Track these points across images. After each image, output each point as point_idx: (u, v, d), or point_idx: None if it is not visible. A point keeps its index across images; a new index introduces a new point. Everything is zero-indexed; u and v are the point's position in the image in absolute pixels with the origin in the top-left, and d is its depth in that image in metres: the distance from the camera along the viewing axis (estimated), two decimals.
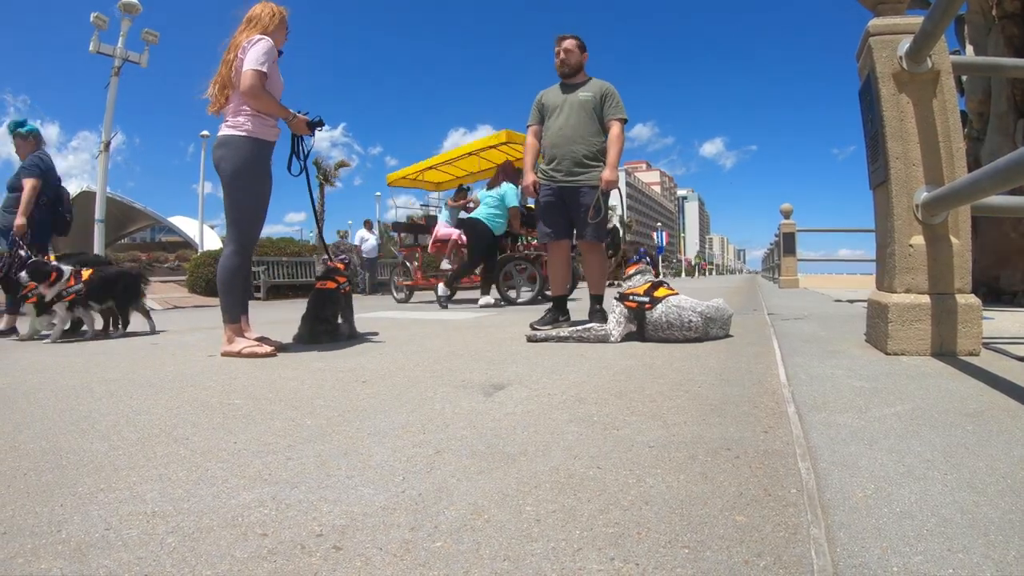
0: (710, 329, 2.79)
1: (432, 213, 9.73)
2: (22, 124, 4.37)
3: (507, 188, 6.34)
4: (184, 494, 1.01)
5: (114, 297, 3.86)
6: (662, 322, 2.77)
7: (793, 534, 0.82)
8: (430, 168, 8.76)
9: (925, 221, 2.12)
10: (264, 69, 2.58)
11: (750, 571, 0.73)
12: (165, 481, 1.07)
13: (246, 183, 2.68)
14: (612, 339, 2.82)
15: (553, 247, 3.61)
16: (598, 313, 3.40)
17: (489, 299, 6.12)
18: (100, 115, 8.45)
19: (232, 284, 2.74)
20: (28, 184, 4.13)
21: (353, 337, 3.20)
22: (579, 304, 3.80)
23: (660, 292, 2.85)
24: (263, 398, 1.77)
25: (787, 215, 9.63)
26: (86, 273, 3.75)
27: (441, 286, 6.31)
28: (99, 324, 3.98)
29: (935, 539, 0.78)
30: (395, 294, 8.31)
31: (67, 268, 3.68)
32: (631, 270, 3.04)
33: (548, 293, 5.65)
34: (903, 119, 2.17)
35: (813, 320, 3.51)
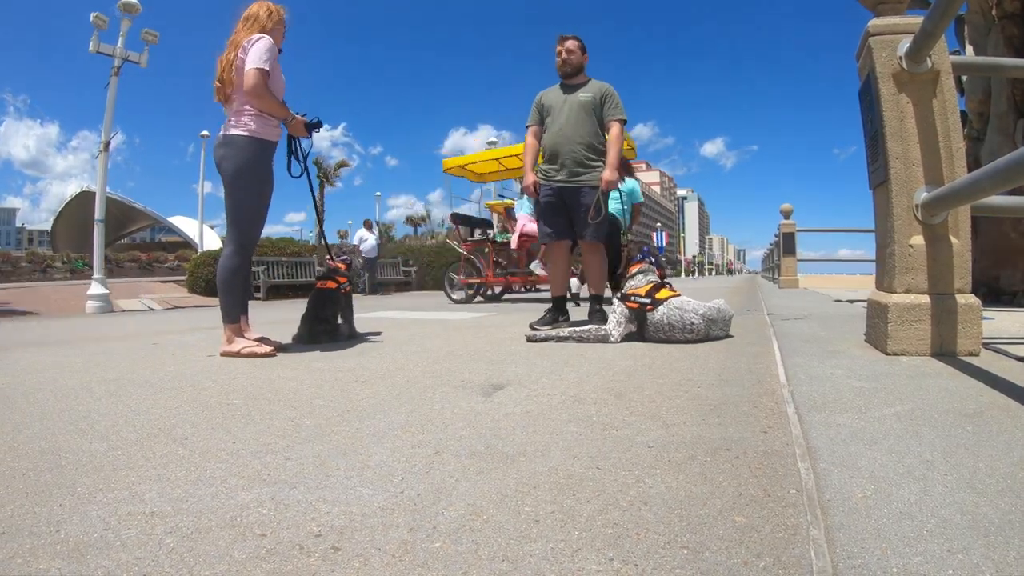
0: (711, 330, 2.79)
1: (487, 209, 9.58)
2: None
3: (633, 184, 6.15)
4: (183, 494, 1.01)
5: None
6: (663, 324, 2.77)
7: (792, 535, 0.82)
8: (490, 160, 8.53)
9: (925, 221, 2.12)
10: (267, 67, 2.58)
11: (749, 572, 0.73)
12: (164, 481, 1.07)
13: (248, 183, 2.67)
14: (612, 339, 2.81)
15: (553, 247, 3.61)
16: (598, 313, 3.40)
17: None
18: (100, 115, 8.43)
19: (232, 284, 2.74)
20: None
21: (353, 337, 3.20)
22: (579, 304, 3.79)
23: (662, 294, 2.85)
24: (262, 398, 1.77)
25: (787, 215, 9.64)
26: None
27: (575, 281, 5.91)
28: None
29: (935, 540, 0.78)
30: (451, 294, 7.35)
31: None
32: (634, 269, 3.03)
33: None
34: (903, 119, 2.17)
35: (813, 320, 3.51)
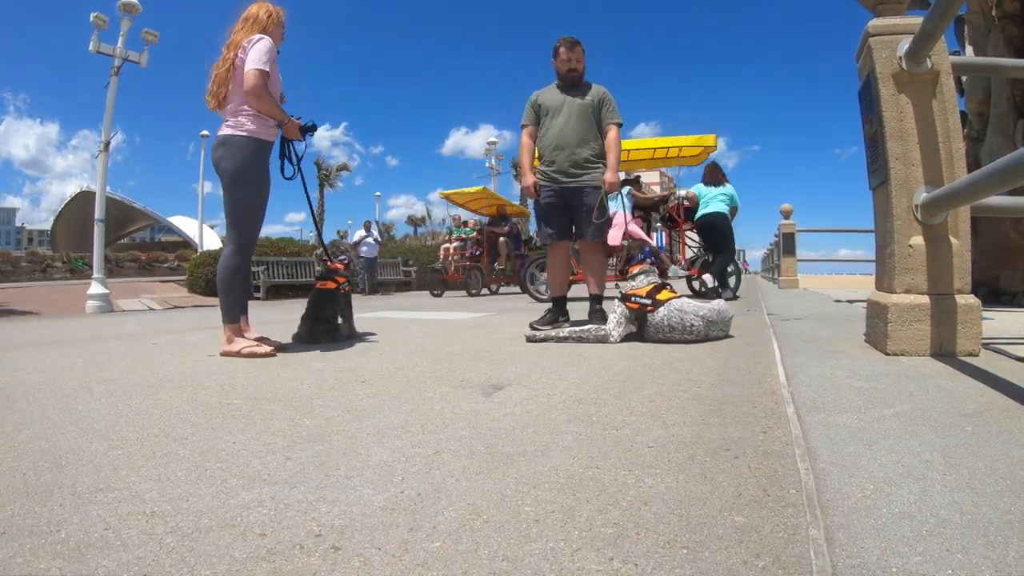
0: (711, 331, 2.79)
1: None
2: None
3: (733, 189, 6.57)
4: (183, 494, 1.01)
5: None
6: (663, 325, 2.77)
7: (792, 534, 0.82)
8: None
9: (925, 221, 2.12)
10: (267, 68, 2.58)
11: (749, 572, 0.73)
12: (164, 481, 1.07)
13: (246, 183, 2.68)
14: (612, 339, 2.81)
15: (554, 248, 3.62)
16: (598, 313, 3.40)
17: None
18: (100, 114, 8.43)
19: (232, 284, 2.74)
20: None
21: (353, 337, 3.20)
22: (579, 304, 3.80)
23: (663, 295, 2.85)
24: (262, 398, 1.77)
25: (787, 215, 9.64)
26: None
27: (708, 276, 6.03)
28: None
29: (934, 540, 0.78)
30: (536, 291, 6.87)
31: None
32: (635, 269, 3.04)
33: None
34: (903, 119, 2.17)
35: (813, 320, 3.51)
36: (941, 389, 1.60)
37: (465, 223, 11.89)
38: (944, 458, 1.07)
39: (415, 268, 15.48)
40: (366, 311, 5.71)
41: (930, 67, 2.14)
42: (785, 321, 3.52)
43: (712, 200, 6.52)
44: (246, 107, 2.64)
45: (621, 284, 3.67)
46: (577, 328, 2.94)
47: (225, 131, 2.66)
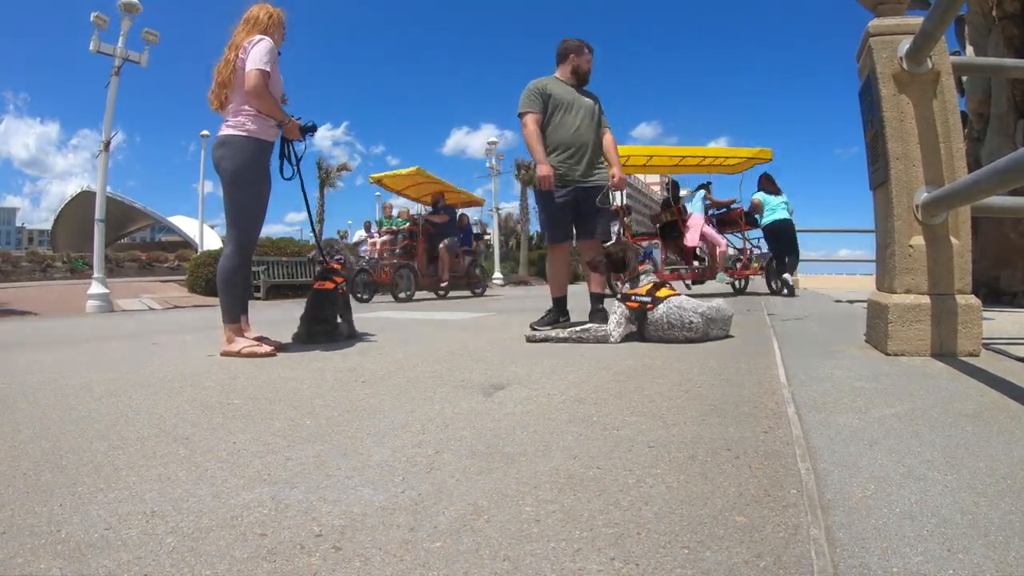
0: (710, 330, 2.80)
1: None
2: None
3: (786, 196, 7.10)
4: (183, 494, 1.01)
5: None
6: (663, 322, 2.77)
7: (793, 535, 0.82)
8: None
9: (925, 222, 2.12)
10: (268, 68, 2.59)
11: (750, 572, 0.73)
12: (164, 481, 1.07)
13: (246, 183, 2.68)
14: (612, 339, 2.82)
15: (555, 249, 3.61)
16: (598, 313, 3.40)
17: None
18: (100, 114, 8.41)
19: (232, 284, 2.74)
20: None
21: (353, 337, 3.20)
22: (579, 304, 3.79)
23: (662, 293, 2.86)
24: (262, 398, 1.77)
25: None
26: None
27: (788, 276, 6.82)
28: None
29: (935, 540, 0.78)
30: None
31: None
32: (640, 269, 3.05)
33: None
34: (903, 119, 2.17)
35: (813, 320, 3.52)
36: (942, 389, 1.60)
37: (400, 214, 10.03)
38: (945, 458, 1.07)
39: None
40: (366, 311, 5.71)
41: (930, 67, 2.14)
42: (785, 321, 3.52)
43: (777, 207, 7.02)
44: (247, 107, 2.65)
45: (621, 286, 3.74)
46: (577, 328, 2.95)
47: (226, 131, 2.67)
